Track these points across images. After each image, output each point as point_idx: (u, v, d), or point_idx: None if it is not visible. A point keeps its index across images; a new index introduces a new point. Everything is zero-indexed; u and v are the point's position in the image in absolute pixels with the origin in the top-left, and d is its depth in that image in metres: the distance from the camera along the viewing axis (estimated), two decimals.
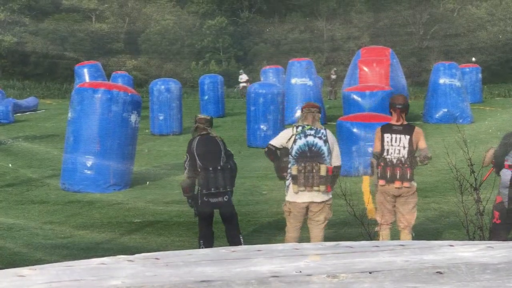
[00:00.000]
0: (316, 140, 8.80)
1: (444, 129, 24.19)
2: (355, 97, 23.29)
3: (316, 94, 28.98)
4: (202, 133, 9.65)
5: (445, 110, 28.12)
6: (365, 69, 27.11)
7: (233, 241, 9.38)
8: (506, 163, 8.67)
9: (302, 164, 8.70)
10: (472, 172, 8.49)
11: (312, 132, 8.84)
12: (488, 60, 58.25)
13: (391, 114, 9.41)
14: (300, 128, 8.91)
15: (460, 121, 26.53)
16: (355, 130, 16.80)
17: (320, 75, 40.39)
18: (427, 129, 26.32)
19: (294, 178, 8.75)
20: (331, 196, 8.87)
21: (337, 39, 65.06)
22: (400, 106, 9.24)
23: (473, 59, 48.61)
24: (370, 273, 2.37)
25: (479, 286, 2.21)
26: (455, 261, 2.53)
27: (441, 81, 28.68)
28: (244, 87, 43.83)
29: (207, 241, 9.48)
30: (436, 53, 60.46)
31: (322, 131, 8.89)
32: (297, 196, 8.78)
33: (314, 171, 8.67)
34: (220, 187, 9.40)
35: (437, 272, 2.35)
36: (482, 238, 8.45)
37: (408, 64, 50.34)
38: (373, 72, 26.93)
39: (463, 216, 8.37)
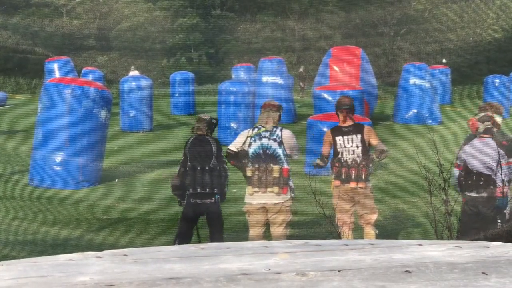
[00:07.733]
0: (271, 142, 8.72)
1: (413, 130, 24.36)
2: (326, 96, 23.32)
3: (287, 93, 29.07)
4: (198, 133, 9.59)
5: (415, 110, 28.31)
6: (336, 68, 27.19)
7: None
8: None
9: (256, 166, 8.66)
10: (441, 172, 8.56)
11: (267, 134, 8.75)
12: (457, 62, 58.77)
13: (338, 116, 9.41)
14: (255, 130, 8.88)
15: (430, 122, 26.72)
16: (325, 129, 16.81)
17: (291, 73, 40.47)
18: (396, 129, 26.55)
19: (249, 180, 8.74)
20: (289, 197, 8.74)
21: (309, 38, 65.20)
22: (346, 107, 9.29)
23: (444, 60, 49.00)
24: (339, 271, 2.37)
25: (447, 285, 2.22)
26: (424, 260, 2.54)
27: (411, 81, 28.87)
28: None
29: (183, 240, 9.35)
30: (407, 53, 60.79)
31: (278, 132, 8.77)
32: (252, 198, 8.75)
33: (267, 172, 8.62)
34: (206, 187, 9.32)
35: (405, 271, 2.36)
36: (450, 238, 8.52)
37: (378, 64, 50.54)
38: (343, 71, 27.02)
39: (431, 216, 8.43)
